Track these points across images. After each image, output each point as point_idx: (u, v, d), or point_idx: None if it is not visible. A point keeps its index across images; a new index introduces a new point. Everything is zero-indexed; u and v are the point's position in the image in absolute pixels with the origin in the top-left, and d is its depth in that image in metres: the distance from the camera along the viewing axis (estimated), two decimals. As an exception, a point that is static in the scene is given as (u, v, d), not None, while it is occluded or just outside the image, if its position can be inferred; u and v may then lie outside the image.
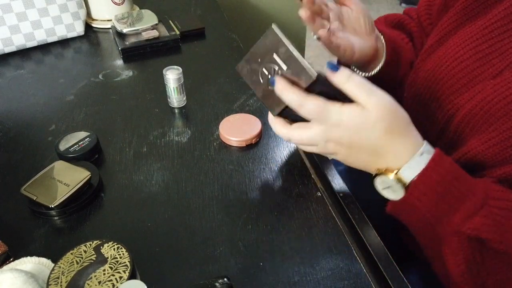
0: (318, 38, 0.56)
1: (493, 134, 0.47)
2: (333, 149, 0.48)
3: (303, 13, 0.54)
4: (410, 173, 0.44)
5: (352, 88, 0.44)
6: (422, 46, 0.66)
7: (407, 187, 0.44)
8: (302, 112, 0.45)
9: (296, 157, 0.60)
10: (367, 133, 0.45)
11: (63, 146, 0.59)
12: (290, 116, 0.49)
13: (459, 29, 0.57)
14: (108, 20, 0.99)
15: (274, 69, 0.47)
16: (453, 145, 0.53)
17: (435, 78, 0.57)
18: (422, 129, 0.47)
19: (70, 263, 0.37)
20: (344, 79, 0.44)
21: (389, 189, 0.46)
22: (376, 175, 0.46)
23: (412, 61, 0.70)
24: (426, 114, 0.57)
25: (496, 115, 0.47)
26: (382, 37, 0.65)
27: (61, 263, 0.37)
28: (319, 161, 0.60)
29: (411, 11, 0.75)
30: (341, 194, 0.55)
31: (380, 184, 0.46)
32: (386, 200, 0.47)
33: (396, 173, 0.44)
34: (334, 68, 0.45)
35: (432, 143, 0.46)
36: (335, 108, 0.44)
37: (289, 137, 0.49)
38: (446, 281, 0.48)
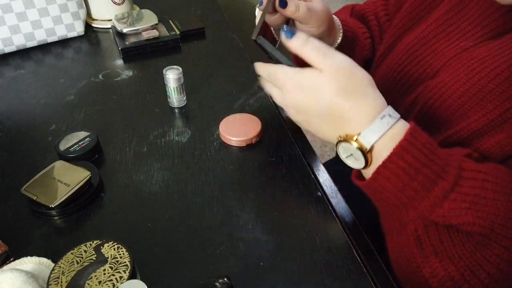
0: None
1: (441, 137, 0.48)
2: (294, 116, 0.47)
3: None
4: (370, 138, 0.41)
5: (309, 52, 0.43)
6: (381, 42, 0.67)
7: (369, 151, 0.41)
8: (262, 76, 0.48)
9: (296, 157, 0.60)
10: (318, 95, 0.43)
11: (63, 146, 0.59)
12: None
13: (405, 35, 0.60)
14: (108, 20, 0.99)
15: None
16: None
17: (385, 84, 0.58)
18: None
19: (70, 263, 0.37)
20: (300, 44, 0.43)
21: (351, 157, 0.43)
22: (339, 142, 0.43)
23: (367, 58, 0.71)
24: None
25: (443, 116, 0.49)
26: (340, 26, 0.65)
27: (61, 263, 0.37)
28: (319, 162, 0.60)
29: (370, 4, 0.74)
30: (342, 194, 0.55)
31: (342, 152, 0.44)
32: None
33: (356, 139, 0.41)
34: (289, 34, 0.44)
35: None
36: (290, 73, 0.44)
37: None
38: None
